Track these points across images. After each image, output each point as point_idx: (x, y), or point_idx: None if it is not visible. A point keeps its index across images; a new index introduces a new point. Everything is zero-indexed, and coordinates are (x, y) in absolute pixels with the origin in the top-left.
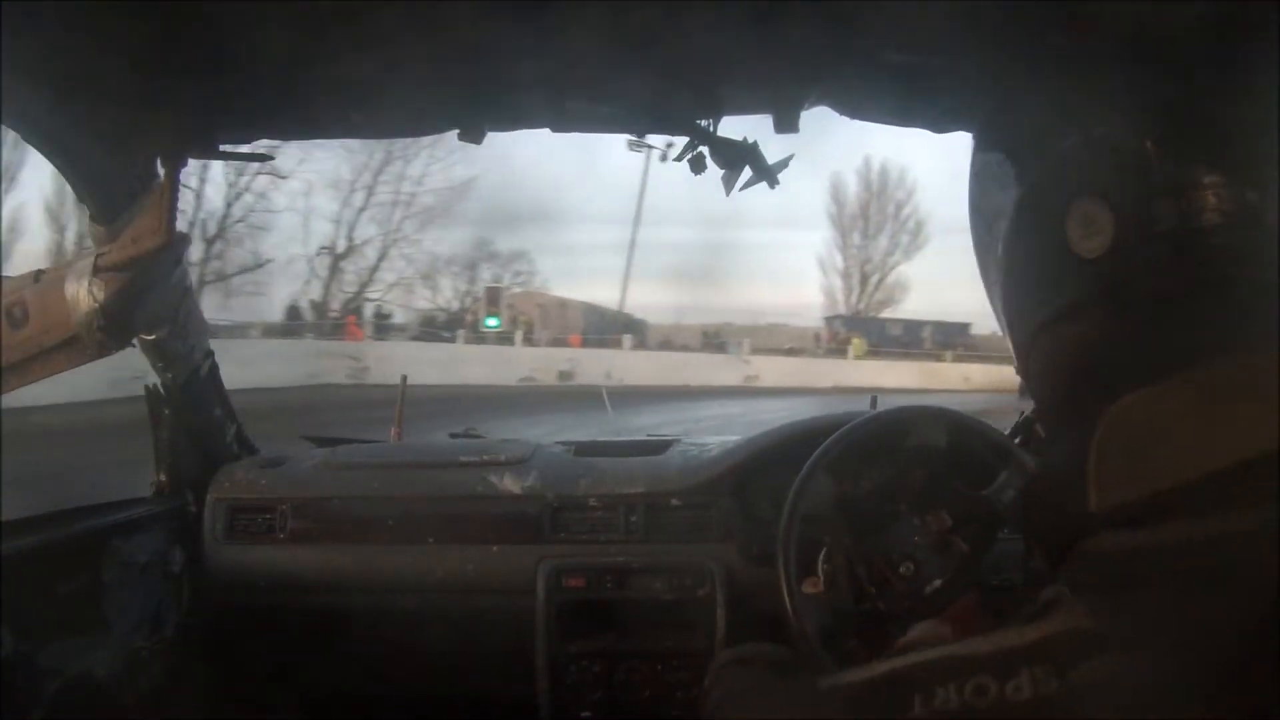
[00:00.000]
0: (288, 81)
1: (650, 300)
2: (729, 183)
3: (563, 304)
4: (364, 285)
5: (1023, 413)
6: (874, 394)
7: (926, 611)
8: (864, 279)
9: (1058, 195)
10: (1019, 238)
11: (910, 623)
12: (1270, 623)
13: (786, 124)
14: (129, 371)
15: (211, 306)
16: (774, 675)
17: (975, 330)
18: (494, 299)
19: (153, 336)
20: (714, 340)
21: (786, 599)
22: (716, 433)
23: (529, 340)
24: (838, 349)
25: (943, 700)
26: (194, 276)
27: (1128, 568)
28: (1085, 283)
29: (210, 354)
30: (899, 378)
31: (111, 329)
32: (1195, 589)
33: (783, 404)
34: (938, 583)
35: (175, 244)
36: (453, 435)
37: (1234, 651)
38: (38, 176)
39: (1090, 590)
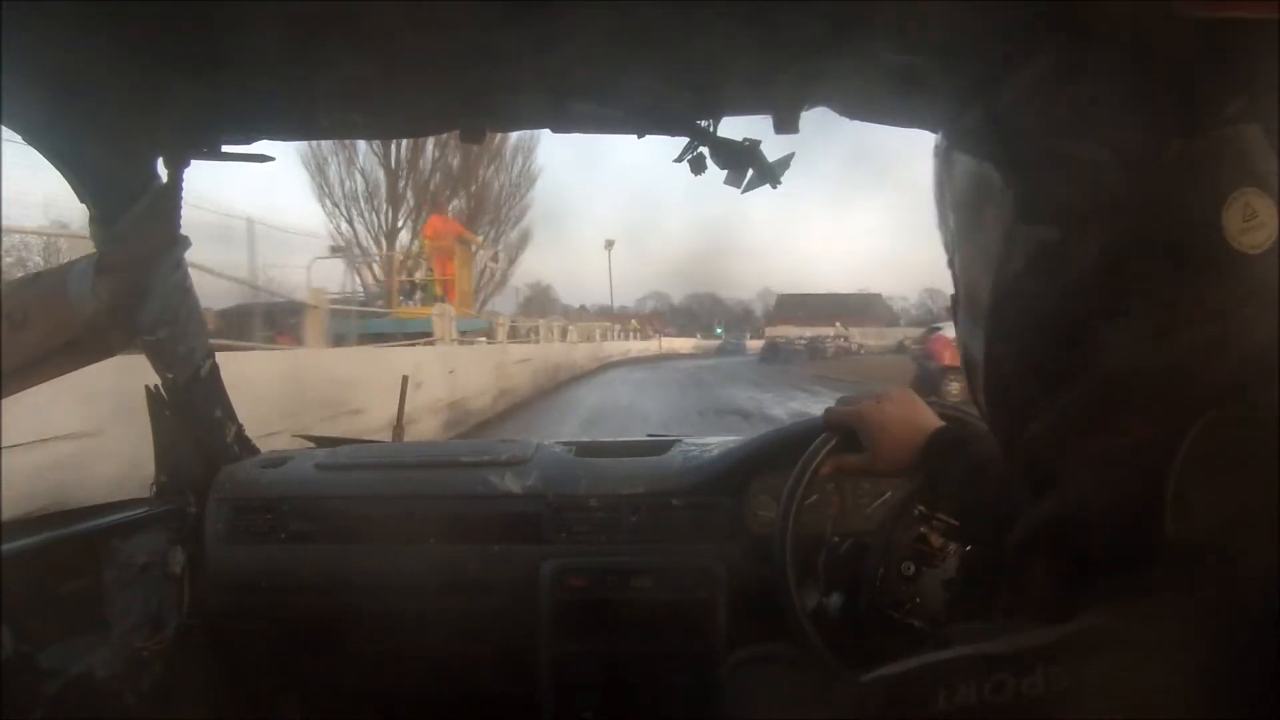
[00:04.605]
0: (288, 82)
1: None
2: (733, 183)
3: None
4: None
5: None
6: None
7: (950, 600)
8: None
9: (1209, 186)
10: (1115, 237)
11: (922, 617)
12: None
13: (786, 124)
14: None
15: None
16: (791, 673)
17: None
18: None
19: (153, 337)
20: None
21: (787, 601)
22: None
23: None
24: None
25: (964, 696)
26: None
27: (1184, 597)
28: (1240, 280)
29: (211, 355)
30: None
31: (113, 330)
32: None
33: None
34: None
35: (176, 245)
36: None
37: (1249, 654)
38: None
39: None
